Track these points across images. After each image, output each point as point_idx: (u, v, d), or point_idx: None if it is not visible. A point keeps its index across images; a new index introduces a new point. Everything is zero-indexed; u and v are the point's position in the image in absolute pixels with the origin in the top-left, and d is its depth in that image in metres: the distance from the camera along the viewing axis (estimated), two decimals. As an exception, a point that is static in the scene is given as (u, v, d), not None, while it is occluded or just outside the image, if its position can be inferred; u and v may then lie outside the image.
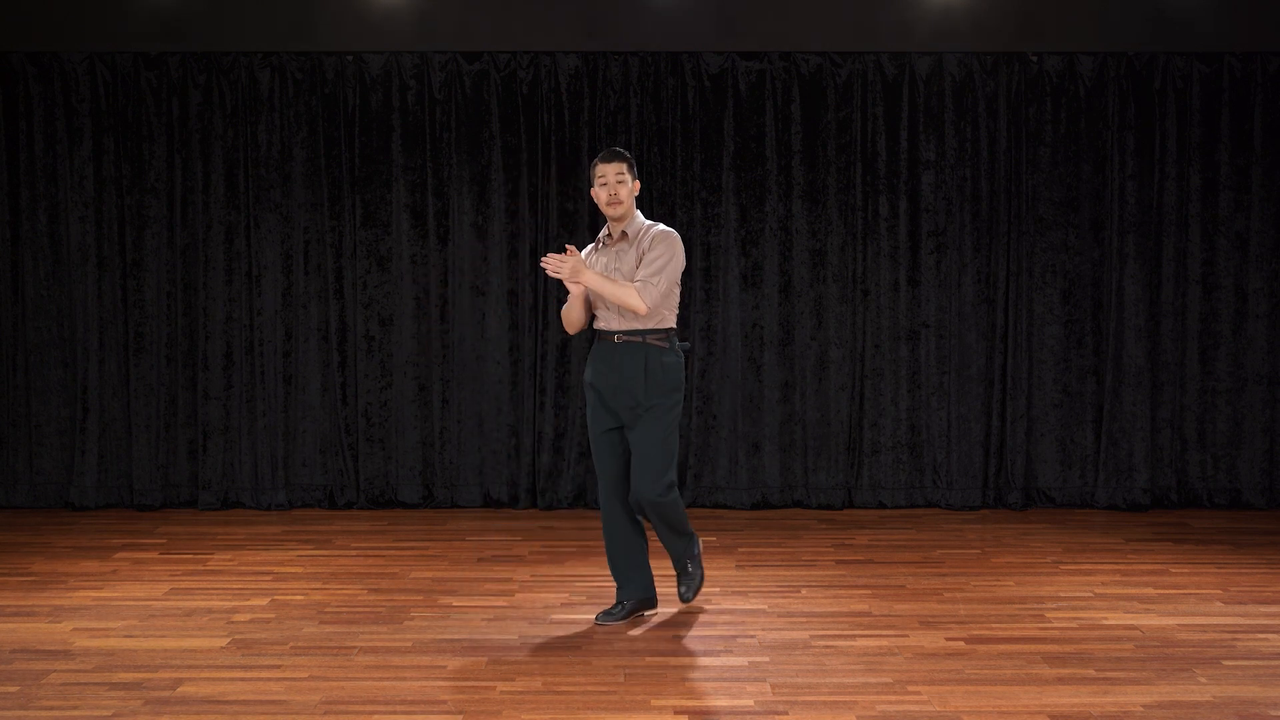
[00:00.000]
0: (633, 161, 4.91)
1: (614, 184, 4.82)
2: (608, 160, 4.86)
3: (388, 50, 7.19)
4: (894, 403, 7.28)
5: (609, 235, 4.94)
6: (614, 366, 4.84)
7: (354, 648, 4.65)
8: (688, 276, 7.05)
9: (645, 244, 4.83)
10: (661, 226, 4.89)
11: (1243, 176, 7.19)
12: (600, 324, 4.92)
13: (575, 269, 4.74)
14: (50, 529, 6.75)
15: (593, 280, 4.75)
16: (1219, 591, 5.46)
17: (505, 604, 5.26)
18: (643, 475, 4.80)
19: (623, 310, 4.80)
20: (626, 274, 4.82)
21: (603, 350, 4.89)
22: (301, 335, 7.26)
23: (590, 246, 5.04)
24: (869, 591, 5.46)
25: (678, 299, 4.93)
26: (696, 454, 7.27)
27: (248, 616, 5.06)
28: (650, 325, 4.83)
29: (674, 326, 4.91)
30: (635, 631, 4.85)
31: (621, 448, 4.92)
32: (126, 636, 4.80)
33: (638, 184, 4.92)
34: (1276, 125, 7.19)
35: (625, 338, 4.84)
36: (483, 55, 7.20)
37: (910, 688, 4.21)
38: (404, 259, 7.25)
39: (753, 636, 4.79)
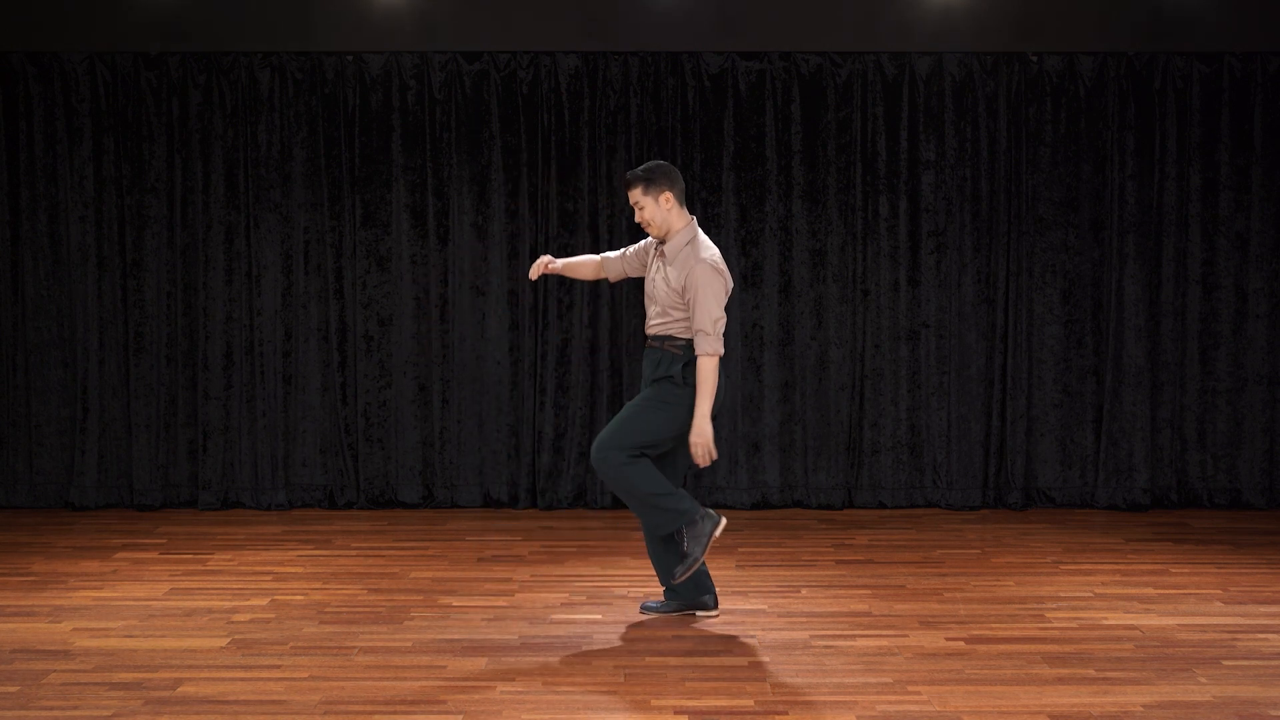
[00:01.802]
0: (650, 176, 4.79)
1: (637, 211, 4.84)
2: (626, 187, 4.86)
3: (388, 50, 7.19)
4: (894, 403, 7.28)
5: (658, 242, 4.95)
6: (644, 366, 4.93)
7: (354, 648, 4.65)
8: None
9: (681, 279, 4.75)
10: (699, 256, 4.75)
11: (1243, 176, 7.19)
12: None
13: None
14: (50, 529, 6.75)
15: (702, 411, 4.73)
16: (1219, 591, 5.46)
17: (505, 604, 5.26)
18: (606, 435, 4.80)
19: (661, 314, 4.84)
20: (666, 291, 4.79)
21: None
22: (301, 335, 7.26)
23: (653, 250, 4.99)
24: (869, 591, 5.46)
25: None
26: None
27: (248, 616, 5.06)
28: (668, 332, 4.82)
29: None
30: (635, 632, 4.85)
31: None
32: (126, 636, 4.80)
33: (667, 195, 4.79)
34: (1276, 125, 7.19)
35: (651, 342, 4.89)
36: (483, 55, 7.20)
37: (910, 688, 4.21)
38: (404, 259, 7.26)
39: (753, 636, 4.79)
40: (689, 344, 4.79)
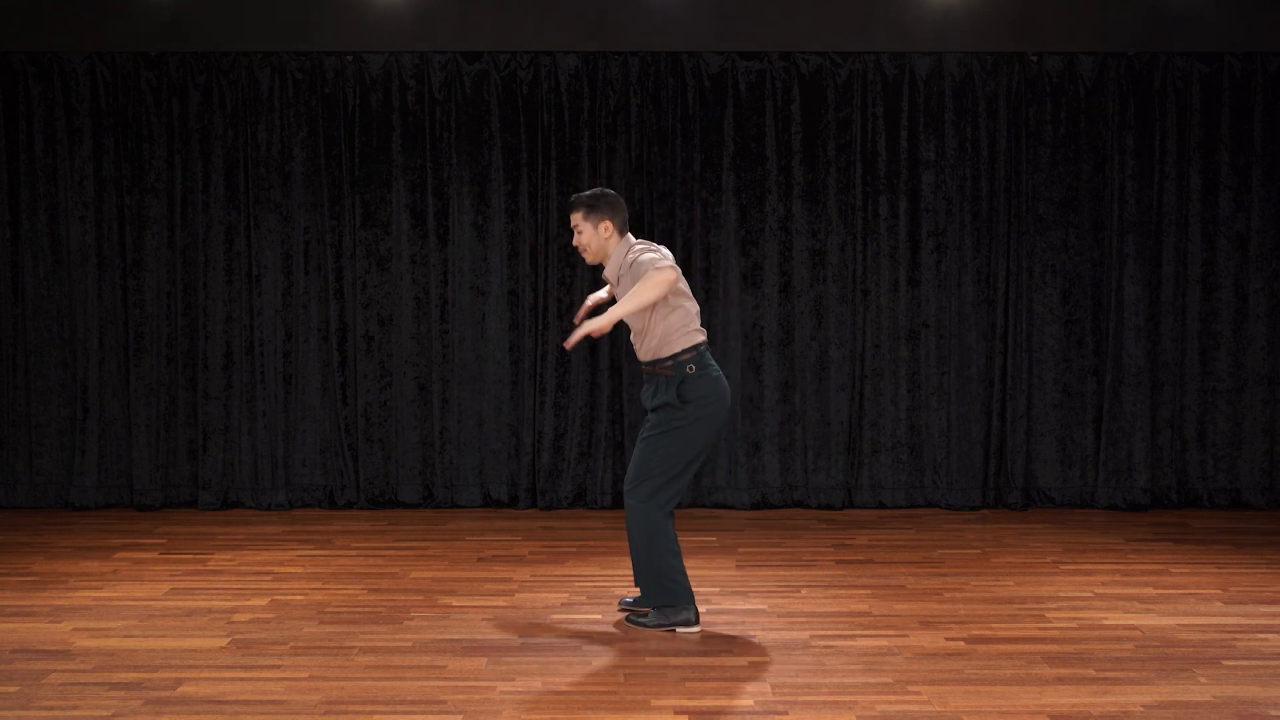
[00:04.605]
0: (593, 204, 4.81)
1: (575, 235, 4.88)
2: (568, 209, 4.90)
3: (388, 50, 7.20)
4: (894, 403, 7.28)
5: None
6: (643, 398, 4.92)
7: (354, 648, 4.65)
8: (688, 276, 7.03)
9: (625, 273, 4.80)
10: (634, 255, 4.76)
11: (1243, 176, 7.20)
12: None
13: (601, 326, 4.56)
14: (50, 529, 6.75)
15: (619, 312, 4.60)
16: (1219, 591, 5.46)
17: (505, 604, 5.26)
18: (631, 473, 4.81)
19: (639, 344, 4.83)
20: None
21: None
22: (301, 335, 7.27)
23: None
24: (869, 591, 5.46)
25: (685, 315, 4.76)
26: (696, 454, 7.26)
27: (248, 616, 5.06)
28: (655, 356, 4.78)
29: (685, 347, 4.74)
30: (635, 632, 4.84)
31: None
32: (126, 636, 4.80)
33: (607, 224, 4.81)
34: (1276, 125, 7.19)
35: (645, 368, 4.86)
36: (483, 55, 7.20)
37: (910, 688, 4.21)
38: (404, 259, 7.26)
39: (753, 636, 4.79)
40: (677, 361, 4.75)
